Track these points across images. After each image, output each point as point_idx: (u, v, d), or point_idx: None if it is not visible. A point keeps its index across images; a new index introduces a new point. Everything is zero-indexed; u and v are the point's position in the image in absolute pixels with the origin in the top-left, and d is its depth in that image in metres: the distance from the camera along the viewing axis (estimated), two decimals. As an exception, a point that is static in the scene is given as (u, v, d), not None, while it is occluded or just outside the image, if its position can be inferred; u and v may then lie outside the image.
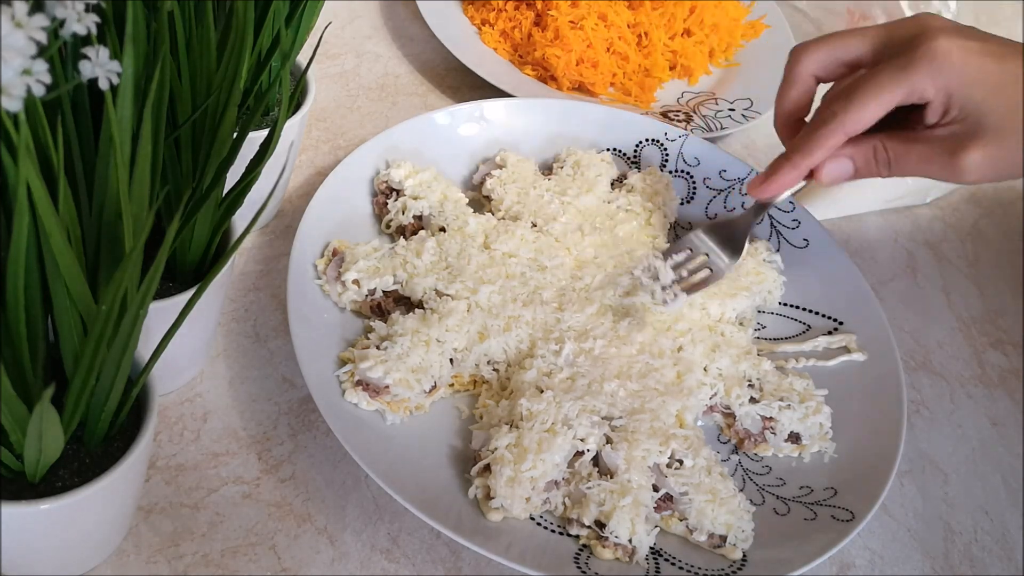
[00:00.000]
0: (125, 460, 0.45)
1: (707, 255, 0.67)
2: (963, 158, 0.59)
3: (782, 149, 0.92)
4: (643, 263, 0.66)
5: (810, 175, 0.63)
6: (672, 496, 0.58)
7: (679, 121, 0.87)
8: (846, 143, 0.61)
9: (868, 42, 0.62)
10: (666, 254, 0.67)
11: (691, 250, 0.67)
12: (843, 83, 0.64)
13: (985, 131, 0.59)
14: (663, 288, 0.65)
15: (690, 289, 0.65)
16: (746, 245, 0.67)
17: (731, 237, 0.67)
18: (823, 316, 0.72)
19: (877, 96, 0.59)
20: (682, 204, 0.78)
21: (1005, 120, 0.58)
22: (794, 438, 0.64)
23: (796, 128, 0.65)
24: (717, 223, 0.69)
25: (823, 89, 0.66)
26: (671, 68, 0.94)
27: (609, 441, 0.59)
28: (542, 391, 0.60)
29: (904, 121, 0.62)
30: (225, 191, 0.52)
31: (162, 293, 0.52)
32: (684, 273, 0.66)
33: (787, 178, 0.63)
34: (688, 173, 0.79)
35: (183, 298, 0.51)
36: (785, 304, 0.73)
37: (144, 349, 0.46)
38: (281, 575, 0.54)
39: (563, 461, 0.57)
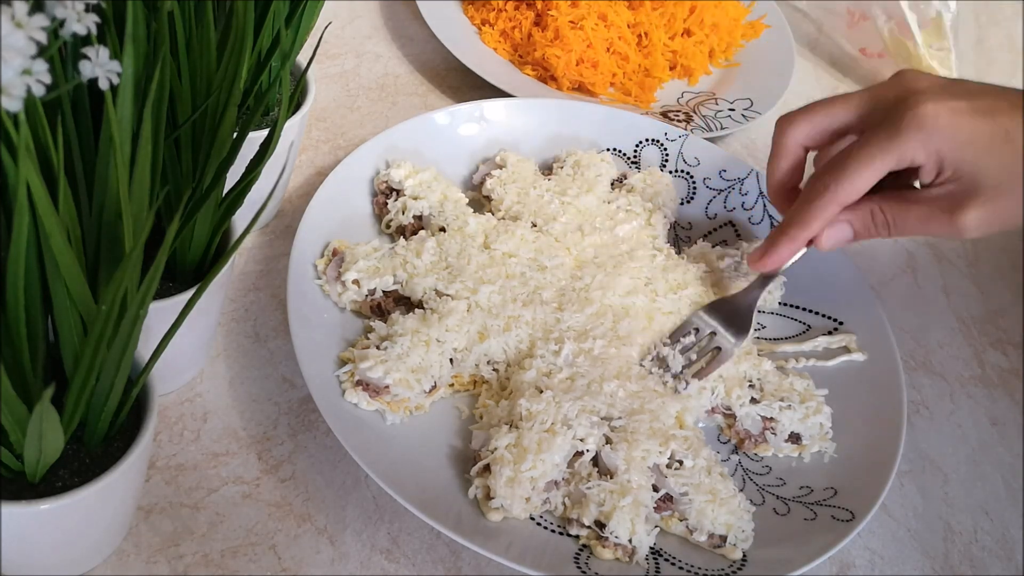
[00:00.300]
0: (125, 460, 0.45)
1: (713, 333, 0.66)
2: (962, 217, 0.59)
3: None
4: (651, 353, 0.65)
5: (810, 242, 0.63)
6: (672, 496, 0.58)
7: (679, 121, 0.87)
8: (843, 209, 0.61)
9: (854, 109, 0.62)
10: (672, 338, 0.66)
11: (697, 331, 0.66)
12: (832, 150, 0.64)
13: (982, 190, 0.58)
14: (674, 377, 0.64)
15: (700, 374, 0.64)
16: (753, 322, 0.66)
17: (736, 314, 0.67)
18: (823, 316, 0.72)
19: (868, 166, 0.59)
20: (682, 204, 0.78)
21: (1001, 177, 0.58)
22: (794, 438, 0.64)
23: (791, 196, 0.65)
24: (720, 301, 0.68)
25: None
26: (671, 68, 0.94)
27: (609, 441, 0.59)
28: (542, 391, 0.60)
29: (900, 181, 0.62)
30: (225, 191, 0.52)
31: (162, 293, 0.52)
32: (693, 356, 0.65)
33: (786, 251, 0.64)
34: (688, 173, 0.79)
35: (183, 298, 0.51)
36: (785, 304, 0.73)
37: (144, 349, 0.46)
38: (281, 575, 0.54)
39: (563, 461, 0.57)
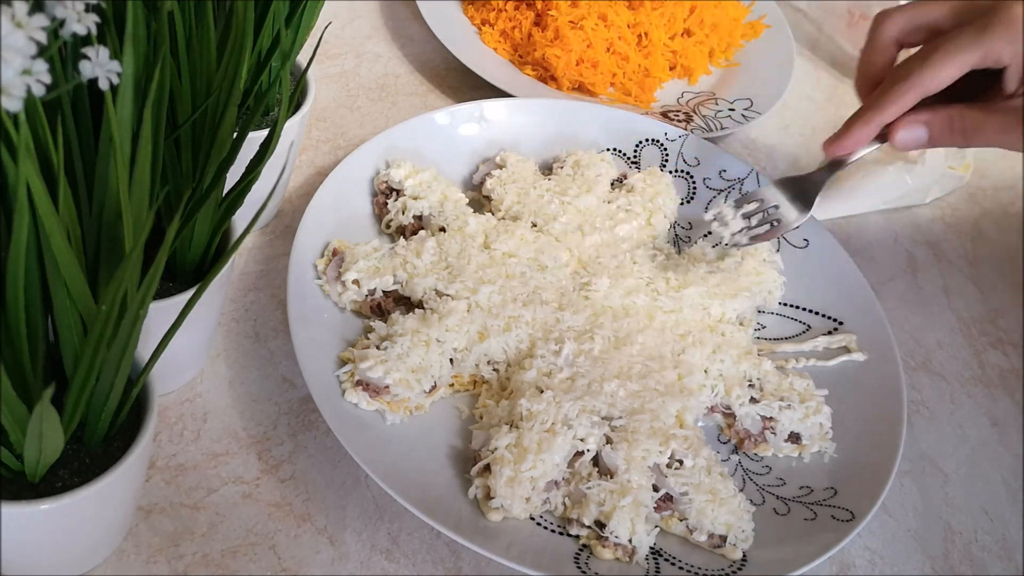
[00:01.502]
0: (125, 460, 0.45)
1: (777, 207, 0.68)
2: None
3: (782, 149, 0.92)
4: (713, 210, 0.68)
5: (884, 137, 0.63)
6: (672, 496, 0.58)
7: (679, 121, 0.87)
8: (922, 110, 0.61)
9: (949, 8, 0.63)
10: (737, 203, 0.69)
11: (762, 201, 0.68)
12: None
13: None
14: (731, 235, 0.67)
15: (757, 238, 0.67)
16: (816, 201, 0.67)
17: (802, 192, 0.68)
18: (823, 316, 0.72)
19: (954, 57, 0.59)
20: (682, 204, 0.78)
21: None
22: (794, 438, 0.64)
23: None
24: (789, 178, 0.70)
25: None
26: (671, 68, 0.94)
27: (609, 441, 0.59)
28: (542, 391, 0.60)
29: (982, 92, 0.61)
30: (225, 191, 0.52)
31: (162, 293, 0.52)
32: (753, 222, 0.67)
33: (860, 134, 0.63)
34: (688, 173, 0.79)
35: (183, 298, 0.51)
36: (785, 304, 0.73)
37: (144, 349, 0.46)
38: (281, 575, 0.54)
39: (563, 461, 0.57)
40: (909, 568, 0.63)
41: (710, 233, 0.77)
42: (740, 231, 0.67)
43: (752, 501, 0.60)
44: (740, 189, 0.78)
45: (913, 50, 0.66)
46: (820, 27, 1.09)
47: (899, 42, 0.65)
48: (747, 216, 0.68)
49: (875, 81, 0.66)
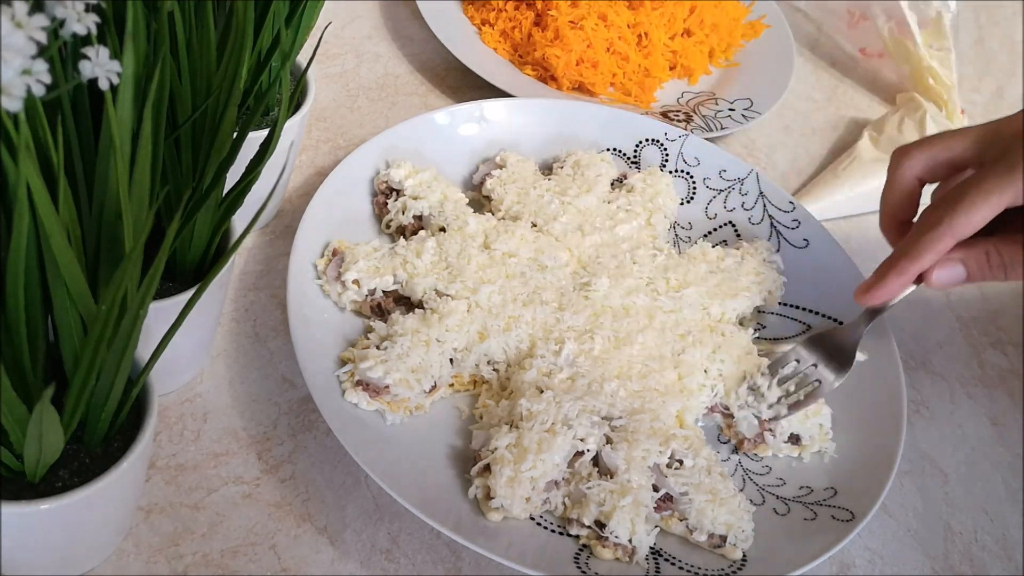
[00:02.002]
0: (125, 460, 0.45)
1: (815, 366, 0.65)
2: None
3: (782, 149, 0.92)
4: (747, 381, 0.64)
5: (919, 279, 0.61)
6: (672, 496, 0.58)
7: (679, 121, 0.87)
8: (957, 246, 0.59)
9: (971, 142, 0.61)
10: (771, 368, 0.65)
11: (797, 362, 0.65)
12: (949, 184, 0.62)
13: None
14: (768, 407, 0.63)
15: (797, 406, 0.63)
16: (856, 356, 0.64)
17: (839, 349, 0.65)
18: (823, 316, 0.72)
19: (985, 200, 0.57)
20: (682, 204, 0.78)
21: None
22: (794, 439, 0.64)
23: (903, 230, 0.64)
24: (823, 334, 0.66)
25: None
26: (671, 68, 0.94)
27: (609, 441, 0.59)
28: (542, 391, 0.60)
29: (1016, 223, 0.60)
30: (225, 191, 0.52)
31: (162, 293, 0.52)
32: (791, 387, 0.64)
33: (895, 284, 0.61)
34: (688, 173, 0.79)
35: (183, 298, 0.51)
36: (785, 304, 0.73)
37: (144, 349, 0.46)
38: (281, 575, 0.54)
39: (563, 461, 0.57)
40: (909, 568, 0.63)
41: (711, 233, 0.77)
42: (778, 401, 0.63)
43: (752, 501, 0.60)
44: (740, 189, 0.78)
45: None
46: (820, 27, 1.09)
47: (921, 179, 0.63)
48: (783, 381, 0.64)
49: (901, 220, 0.64)
